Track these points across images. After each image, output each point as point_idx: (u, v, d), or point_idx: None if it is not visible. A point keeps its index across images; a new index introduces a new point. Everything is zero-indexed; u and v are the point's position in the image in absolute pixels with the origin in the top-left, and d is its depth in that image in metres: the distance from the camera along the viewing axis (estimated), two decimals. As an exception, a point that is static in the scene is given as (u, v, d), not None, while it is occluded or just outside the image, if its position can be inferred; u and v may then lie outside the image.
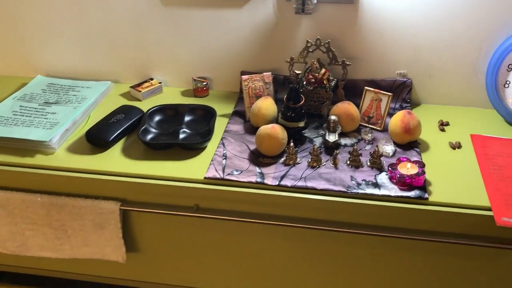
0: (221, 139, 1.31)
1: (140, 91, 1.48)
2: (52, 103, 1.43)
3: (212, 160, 1.22)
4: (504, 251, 1.10)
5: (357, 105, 1.34)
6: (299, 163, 1.21)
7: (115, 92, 1.54)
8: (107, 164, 1.22)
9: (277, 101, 1.37)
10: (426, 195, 1.10)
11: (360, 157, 1.20)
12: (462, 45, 1.36)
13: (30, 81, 1.55)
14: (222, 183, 1.16)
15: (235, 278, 1.31)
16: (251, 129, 1.34)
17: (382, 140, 1.26)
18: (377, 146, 1.21)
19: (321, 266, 1.23)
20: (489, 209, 1.07)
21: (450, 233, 1.10)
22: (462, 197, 1.10)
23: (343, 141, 1.29)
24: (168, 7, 1.43)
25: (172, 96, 1.52)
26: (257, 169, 1.20)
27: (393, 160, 1.20)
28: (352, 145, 1.25)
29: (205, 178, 1.17)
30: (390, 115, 1.32)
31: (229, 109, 1.44)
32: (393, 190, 1.12)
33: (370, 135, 1.30)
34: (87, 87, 1.51)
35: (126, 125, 1.32)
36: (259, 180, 1.16)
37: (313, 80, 1.36)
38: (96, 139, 1.27)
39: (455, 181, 1.15)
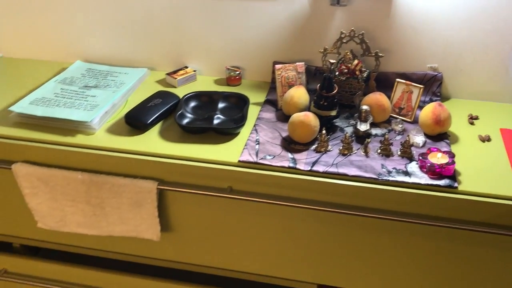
0: (254, 126, 1.34)
1: (175, 78, 1.53)
2: (92, 86, 1.48)
3: (245, 145, 1.26)
4: (532, 241, 1.12)
5: (388, 97, 1.36)
6: (330, 151, 1.24)
7: (151, 79, 1.58)
8: (145, 145, 1.26)
9: (308, 91, 1.40)
10: (456, 184, 1.12)
11: (391, 146, 1.23)
12: (493, 41, 1.37)
13: (70, 66, 1.61)
14: (255, 167, 1.20)
15: (265, 260, 1.35)
16: (283, 117, 1.37)
17: (413, 130, 1.28)
18: (408, 136, 1.23)
19: (351, 251, 1.26)
20: (518, 200, 1.09)
21: (479, 222, 1.12)
22: (491, 188, 1.12)
23: (374, 131, 1.32)
24: (205, -3, 1.48)
25: (206, 84, 1.56)
26: (289, 155, 1.23)
27: (423, 150, 1.22)
28: (383, 135, 1.28)
29: (239, 161, 1.21)
30: (420, 107, 1.34)
31: (261, 98, 1.48)
32: (423, 179, 1.14)
33: (400, 126, 1.32)
34: (125, 73, 1.56)
35: (163, 109, 1.36)
36: (291, 165, 1.19)
37: (346, 70, 1.39)
38: (135, 121, 1.32)
39: (485, 172, 1.17)
